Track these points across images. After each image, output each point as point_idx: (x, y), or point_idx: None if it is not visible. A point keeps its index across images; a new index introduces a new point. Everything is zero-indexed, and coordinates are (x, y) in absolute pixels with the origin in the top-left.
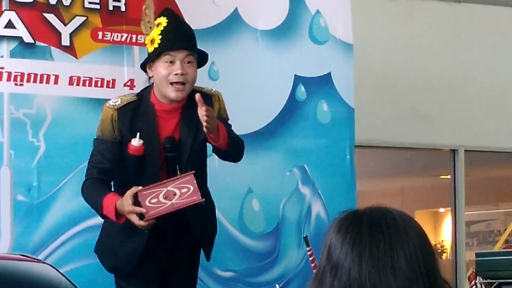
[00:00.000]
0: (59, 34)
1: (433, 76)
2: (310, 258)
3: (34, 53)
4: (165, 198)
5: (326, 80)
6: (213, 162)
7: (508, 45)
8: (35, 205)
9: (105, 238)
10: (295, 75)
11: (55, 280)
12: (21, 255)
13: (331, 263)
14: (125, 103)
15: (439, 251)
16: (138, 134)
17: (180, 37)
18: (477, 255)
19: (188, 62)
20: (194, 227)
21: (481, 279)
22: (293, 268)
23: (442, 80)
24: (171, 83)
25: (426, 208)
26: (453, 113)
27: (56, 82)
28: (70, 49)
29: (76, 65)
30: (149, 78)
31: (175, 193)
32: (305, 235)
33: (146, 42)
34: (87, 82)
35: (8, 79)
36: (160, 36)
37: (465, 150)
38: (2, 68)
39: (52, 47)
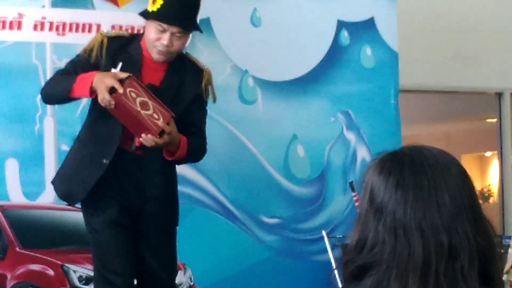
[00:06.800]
0: None
1: (478, 18)
2: (356, 204)
3: (75, 2)
4: (140, 104)
5: (369, 25)
6: (257, 109)
7: None
8: None
9: (64, 167)
10: (338, 20)
11: None
12: (66, 204)
13: (374, 206)
14: (117, 35)
15: (486, 195)
16: (120, 64)
17: (180, 13)
18: None
19: (179, 36)
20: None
21: None
22: (339, 214)
23: (488, 22)
24: (156, 47)
25: (472, 152)
26: (499, 56)
27: (98, 31)
28: None
29: (117, 14)
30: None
31: (148, 108)
32: (350, 181)
33: None
34: (129, 30)
35: (50, 29)
36: (162, 2)
37: (511, 93)
38: (44, 18)
39: None
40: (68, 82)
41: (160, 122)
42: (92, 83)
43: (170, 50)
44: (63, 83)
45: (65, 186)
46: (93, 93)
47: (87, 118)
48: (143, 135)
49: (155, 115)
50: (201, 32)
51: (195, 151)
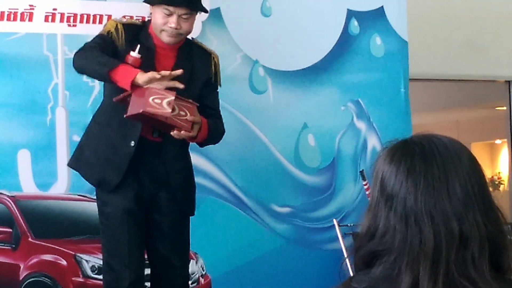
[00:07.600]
0: None
1: (487, 6)
2: (367, 192)
3: None
4: (168, 105)
5: (379, 14)
6: (268, 98)
7: None
8: None
9: (89, 153)
10: (347, 9)
11: None
12: (78, 195)
13: (385, 195)
14: (131, 22)
15: (496, 182)
16: (138, 46)
17: None
18: None
19: (186, 17)
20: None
21: None
22: (350, 203)
23: (497, 10)
24: (165, 31)
25: (482, 140)
26: (508, 44)
27: None
28: None
29: (128, 5)
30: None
31: (175, 108)
32: (361, 169)
33: None
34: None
35: (61, 20)
36: None
37: None
38: (55, 9)
39: None
40: (111, 63)
41: (189, 117)
42: (134, 78)
43: (179, 32)
44: (104, 61)
45: (97, 173)
46: (132, 86)
47: (104, 101)
48: (175, 131)
49: (181, 113)
50: (207, 12)
51: (216, 132)
